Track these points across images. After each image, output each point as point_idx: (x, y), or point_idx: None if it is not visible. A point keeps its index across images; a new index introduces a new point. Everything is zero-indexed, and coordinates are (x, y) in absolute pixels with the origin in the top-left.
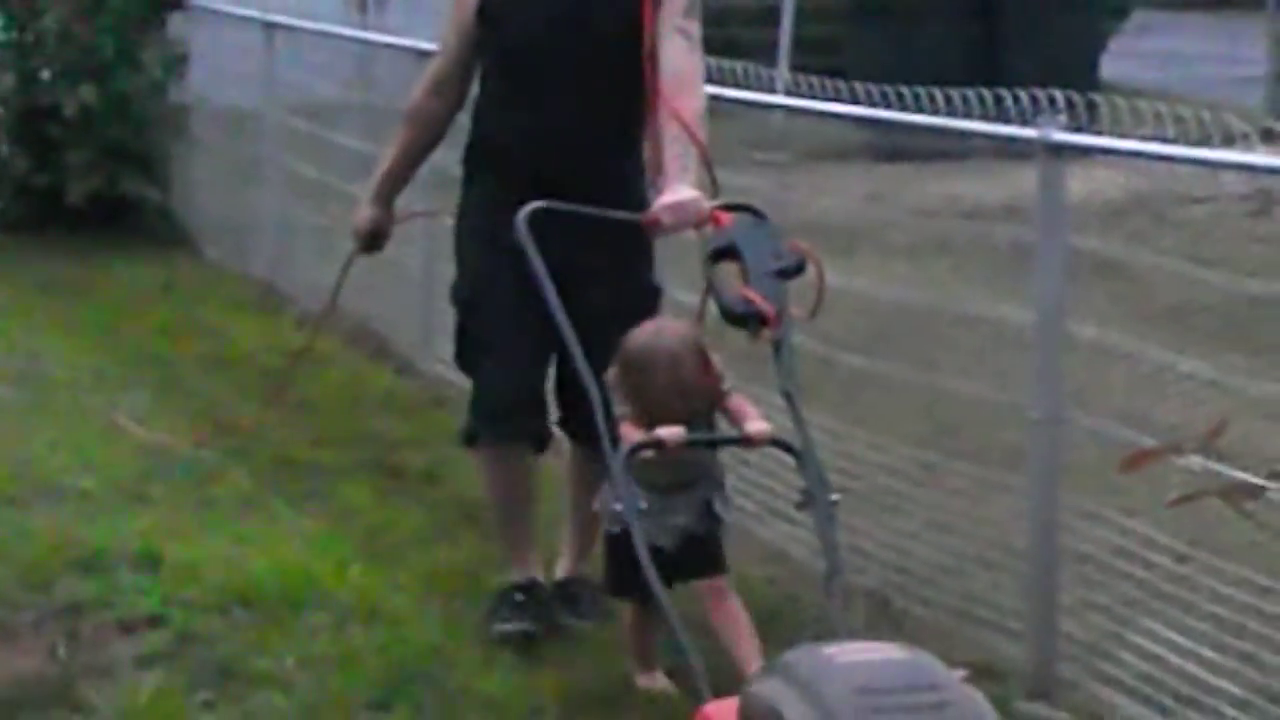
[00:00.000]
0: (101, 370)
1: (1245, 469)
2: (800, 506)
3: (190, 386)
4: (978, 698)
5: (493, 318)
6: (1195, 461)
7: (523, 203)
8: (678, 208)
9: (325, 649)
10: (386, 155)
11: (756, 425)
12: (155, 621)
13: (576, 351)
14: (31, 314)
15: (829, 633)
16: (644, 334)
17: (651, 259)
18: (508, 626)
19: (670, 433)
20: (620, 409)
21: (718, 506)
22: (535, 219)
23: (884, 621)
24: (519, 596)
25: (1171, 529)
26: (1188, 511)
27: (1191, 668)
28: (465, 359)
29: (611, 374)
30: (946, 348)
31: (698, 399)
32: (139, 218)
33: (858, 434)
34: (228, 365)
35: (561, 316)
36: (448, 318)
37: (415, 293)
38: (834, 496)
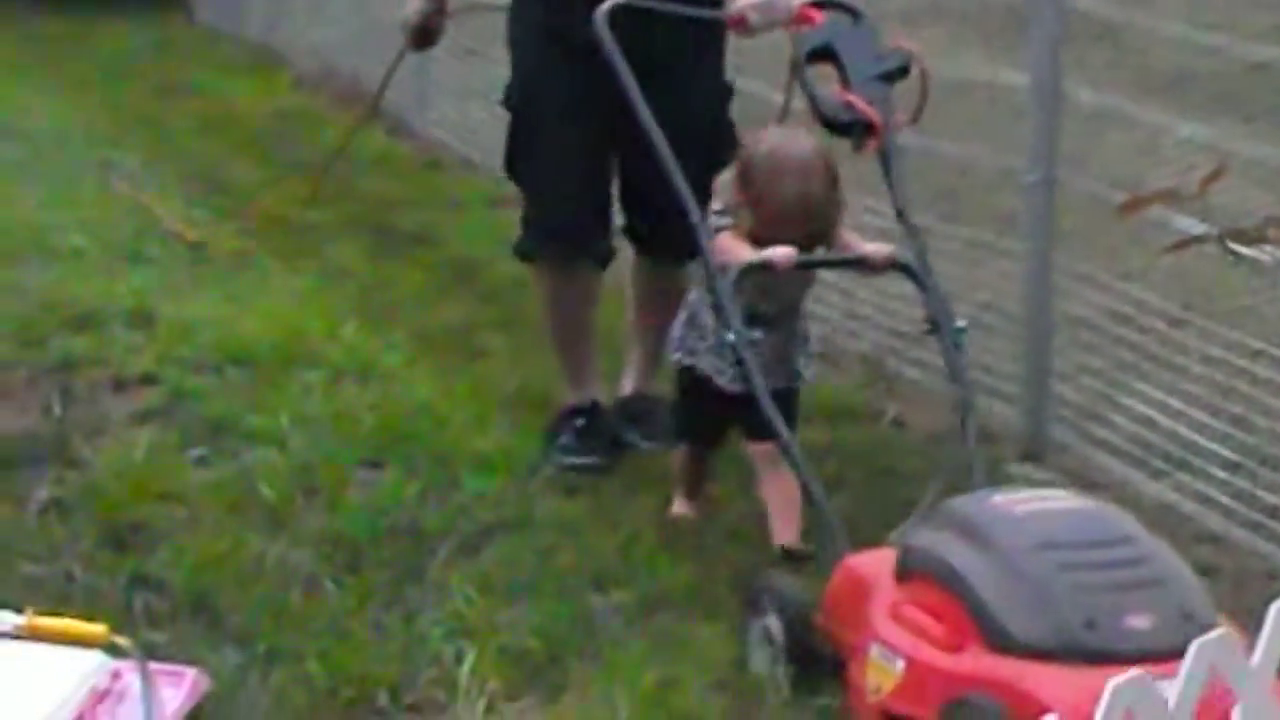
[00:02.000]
0: (93, 128)
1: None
2: (926, 334)
3: (183, 146)
4: (1169, 551)
5: (549, 125)
6: (1187, 220)
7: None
8: (766, 5)
9: (318, 407)
10: None
11: (874, 246)
12: (149, 379)
13: (665, 151)
14: (23, 71)
15: (961, 471)
16: (775, 138)
17: (724, 56)
18: (575, 460)
19: (781, 253)
20: (720, 220)
21: (800, 363)
22: (614, 15)
23: (879, 384)
24: (580, 421)
25: (1164, 292)
26: (1181, 275)
27: (1182, 430)
28: (517, 168)
29: (724, 180)
30: (942, 113)
31: (821, 219)
32: None
33: (851, 199)
34: (221, 126)
35: (646, 115)
36: (443, 79)
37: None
38: (961, 323)
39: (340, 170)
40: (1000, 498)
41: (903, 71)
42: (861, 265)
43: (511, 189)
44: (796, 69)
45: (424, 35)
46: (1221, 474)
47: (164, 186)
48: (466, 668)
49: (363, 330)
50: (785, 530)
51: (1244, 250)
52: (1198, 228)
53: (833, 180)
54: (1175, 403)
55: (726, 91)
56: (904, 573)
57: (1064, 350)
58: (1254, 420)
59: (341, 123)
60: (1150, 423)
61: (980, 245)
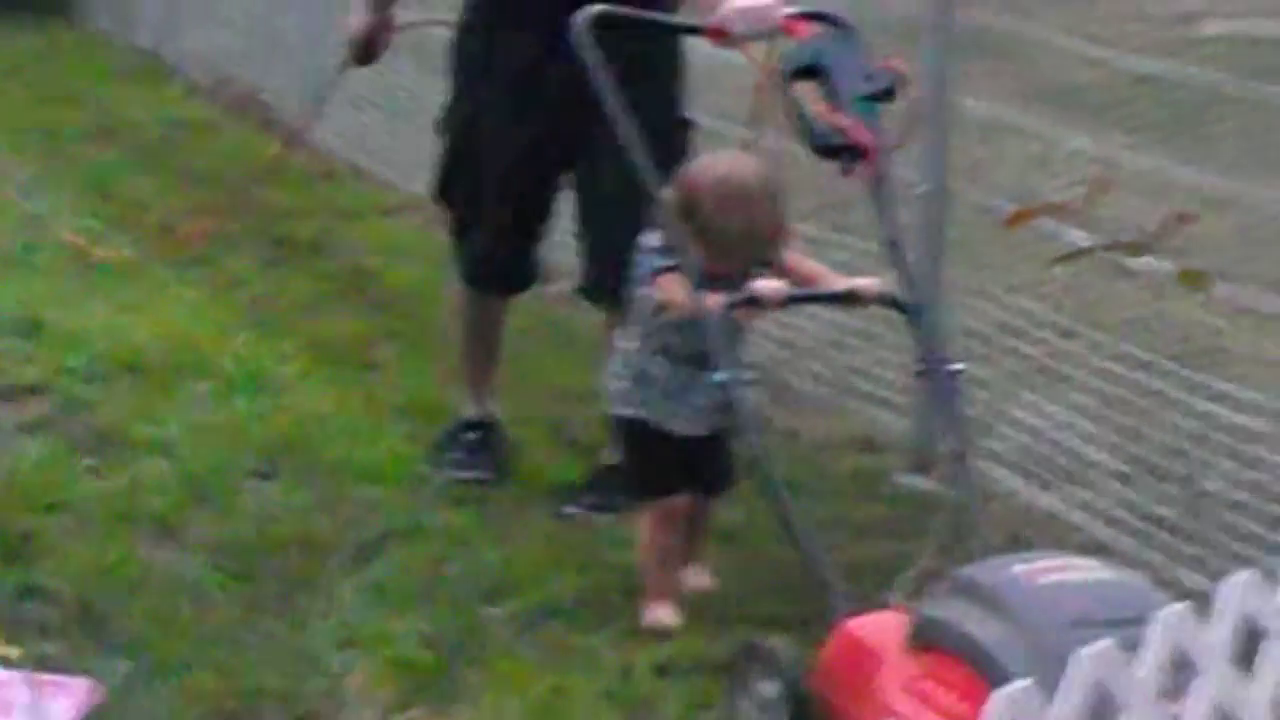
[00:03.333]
0: None
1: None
2: (919, 375)
3: (73, 155)
4: None
5: (487, 158)
6: (1075, 233)
7: (533, 22)
8: (750, 12)
9: (209, 417)
10: None
11: (863, 281)
12: (38, 389)
13: (642, 158)
14: None
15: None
16: (718, 165)
17: (684, 86)
18: (465, 474)
19: (769, 286)
20: (655, 261)
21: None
22: (599, 23)
23: (769, 394)
24: (471, 436)
25: (1055, 304)
26: (1071, 287)
27: (1072, 442)
28: (448, 196)
29: (663, 213)
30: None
31: (769, 246)
32: None
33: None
34: (112, 135)
35: (627, 127)
36: (338, 90)
37: (303, 63)
38: (957, 366)
39: (232, 180)
40: (1021, 566)
41: (889, 93)
42: (851, 300)
43: (402, 198)
44: (782, 86)
45: (368, 50)
46: (1110, 484)
47: (54, 195)
48: (356, 678)
49: (254, 340)
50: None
51: (1128, 262)
52: (1084, 240)
53: (781, 205)
54: (1064, 414)
55: (687, 125)
56: (921, 644)
57: (953, 361)
58: (1142, 431)
59: (234, 133)
60: (1039, 434)
61: (871, 255)
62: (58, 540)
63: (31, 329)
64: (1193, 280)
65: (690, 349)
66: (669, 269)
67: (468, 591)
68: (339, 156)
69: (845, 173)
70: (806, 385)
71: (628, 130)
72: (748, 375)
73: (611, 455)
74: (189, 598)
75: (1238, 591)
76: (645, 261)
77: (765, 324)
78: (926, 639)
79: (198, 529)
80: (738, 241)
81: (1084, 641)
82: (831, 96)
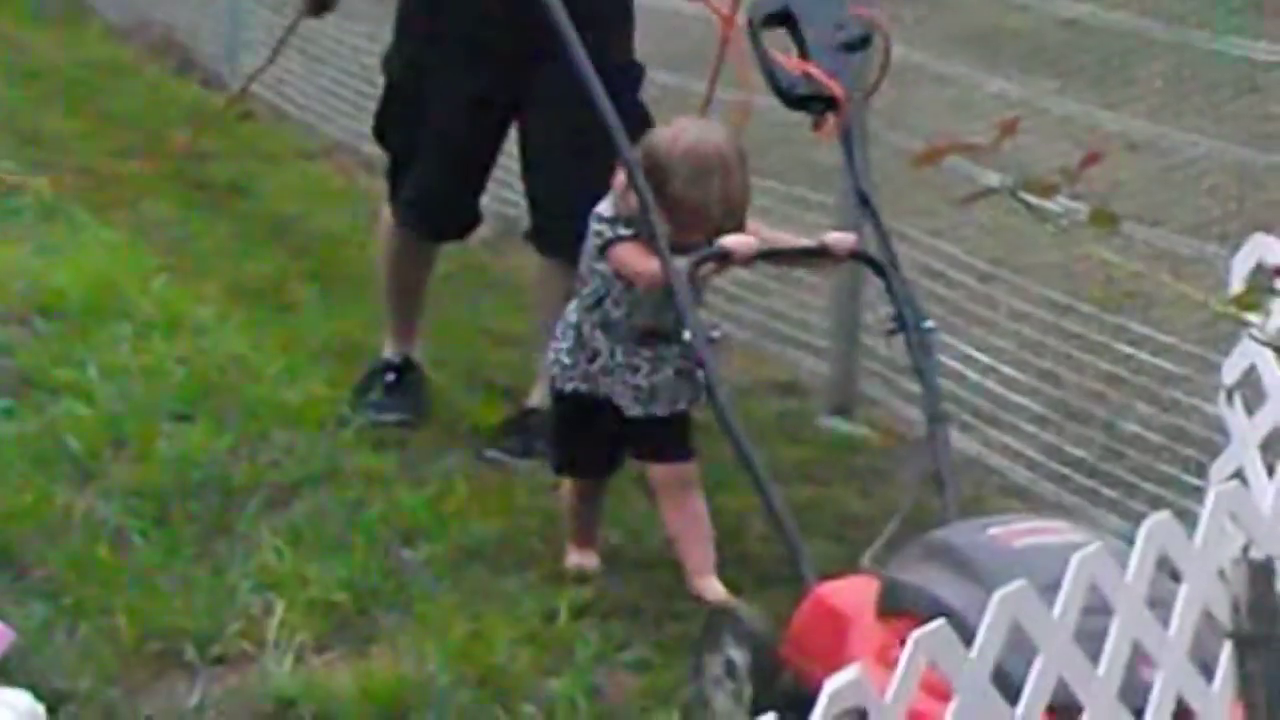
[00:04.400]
0: None
1: None
2: (889, 334)
3: None
4: None
5: (433, 103)
6: (993, 176)
7: None
8: None
9: (128, 360)
10: None
11: (834, 235)
12: None
13: (602, 101)
14: None
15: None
16: (686, 134)
17: (631, 36)
18: (384, 416)
19: (740, 240)
20: (617, 230)
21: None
22: None
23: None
24: (390, 377)
25: (974, 248)
26: (991, 231)
27: (992, 385)
28: (389, 138)
29: (624, 179)
30: (752, 65)
31: (736, 215)
32: None
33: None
34: (30, 76)
35: (589, 74)
36: (255, 32)
37: (221, 4)
38: (929, 323)
39: (151, 123)
40: (996, 530)
41: (864, 41)
42: (822, 255)
43: (323, 142)
44: (752, 34)
45: (321, 2)
46: (1030, 427)
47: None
48: (275, 620)
49: (173, 283)
50: (703, 566)
51: (1034, 201)
52: (994, 182)
53: (747, 171)
54: (984, 357)
55: (637, 72)
56: (891, 610)
57: (874, 304)
58: (1062, 374)
59: (152, 76)
60: (959, 377)
61: (793, 200)
62: None
63: None
64: (1102, 221)
65: (631, 326)
66: (626, 238)
67: (386, 534)
68: (259, 100)
69: (815, 125)
70: (728, 328)
71: (588, 77)
72: (715, 334)
73: (536, 400)
74: (107, 541)
75: (1155, 534)
76: (600, 232)
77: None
78: (898, 604)
79: (116, 472)
80: (712, 212)
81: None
82: (801, 45)
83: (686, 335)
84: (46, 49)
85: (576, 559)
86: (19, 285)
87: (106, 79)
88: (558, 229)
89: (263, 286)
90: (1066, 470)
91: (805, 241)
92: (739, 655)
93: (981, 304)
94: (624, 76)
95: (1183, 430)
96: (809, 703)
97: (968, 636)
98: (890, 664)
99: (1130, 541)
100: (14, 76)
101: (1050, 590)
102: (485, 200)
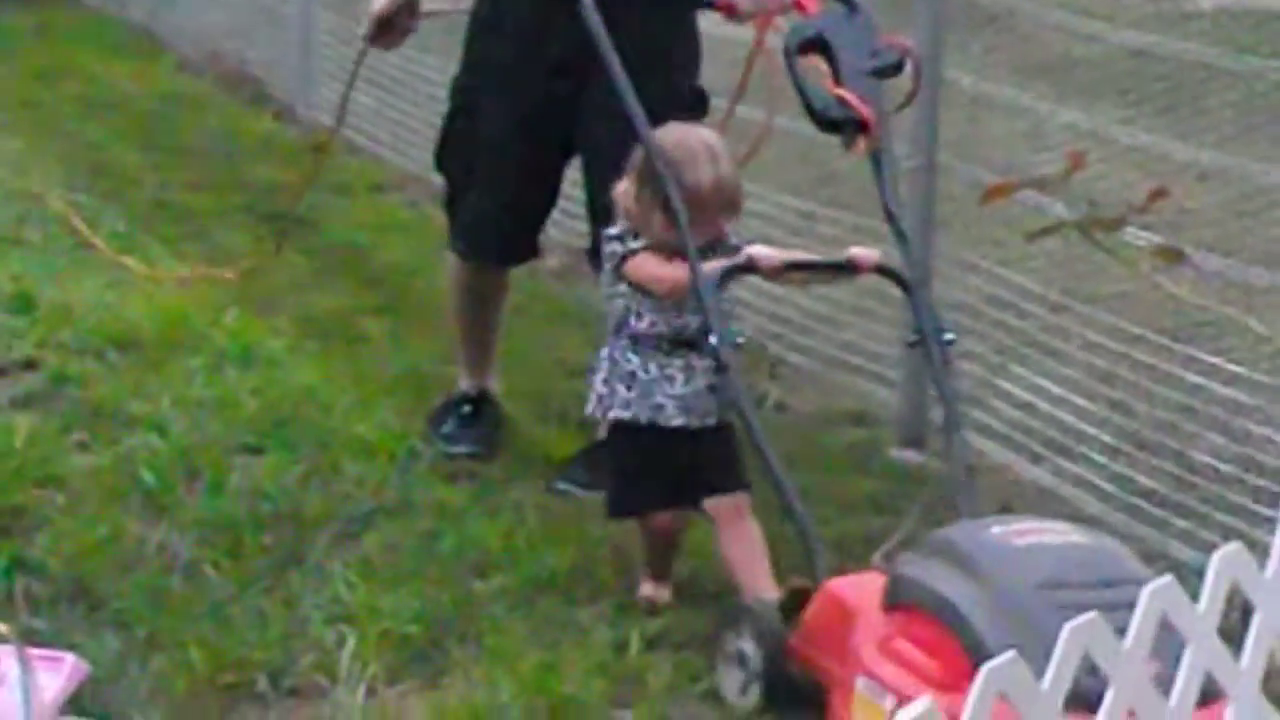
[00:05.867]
0: None
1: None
2: (911, 345)
3: (66, 130)
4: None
5: (493, 131)
6: (1063, 208)
7: None
8: None
9: (200, 392)
10: None
11: (860, 250)
12: (30, 364)
13: (639, 116)
14: None
15: (948, 500)
16: (671, 132)
17: (698, 59)
18: (456, 448)
19: (766, 252)
20: (629, 244)
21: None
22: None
23: (761, 368)
24: (466, 409)
25: (1045, 279)
26: (1062, 261)
27: (1062, 415)
28: (448, 165)
29: (625, 188)
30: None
31: (733, 204)
32: None
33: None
34: (105, 109)
35: (633, 100)
36: (328, 63)
37: (293, 37)
38: (949, 335)
39: (225, 155)
40: (998, 529)
41: (897, 68)
42: (848, 269)
43: (394, 175)
44: (787, 58)
45: (388, 31)
46: (1100, 458)
47: (46, 171)
48: (348, 652)
49: (245, 315)
50: (762, 585)
51: (1103, 237)
52: (1063, 214)
53: (736, 168)
54: (1055, 388)
55: (702, 98)
56: (894, 603)
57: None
58: (1132, 405)
59: (225, 109)
60: (1030, 408)
61: (861, 230)
62: (49, 516)
63: (24, 304)
64: (1168, 257)
65: (659, 336)
66: (641, 250)
67: (458, 566)
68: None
69: (847, 145)
70: (799, 359)
71: (628, 95)
72: (740, 340)
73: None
74: (180, 573)
75: (1227, 564)
76: (614, 250)
77: (758, 300)
78: (900, 598)
79: (189, 504)
80: (708, 198)
81: (1051, 601)
82: (835, 71)
83: (713, 339)
84: (120, 82)
85: (649, 591)
86: (92, 318)
87: (180, 112)
88: None
89: (334, 319)
90: (1138, 501)
91: (833, 258)
92: (750, 647)
93: (1052, 334)
94: (680, 100)
95: (1254, 461)
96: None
97: (963, 629)
98: (891, 653)
99: (1201, 573)
100: (88, 110)
101: (1047, 586)
102: (555, 232)
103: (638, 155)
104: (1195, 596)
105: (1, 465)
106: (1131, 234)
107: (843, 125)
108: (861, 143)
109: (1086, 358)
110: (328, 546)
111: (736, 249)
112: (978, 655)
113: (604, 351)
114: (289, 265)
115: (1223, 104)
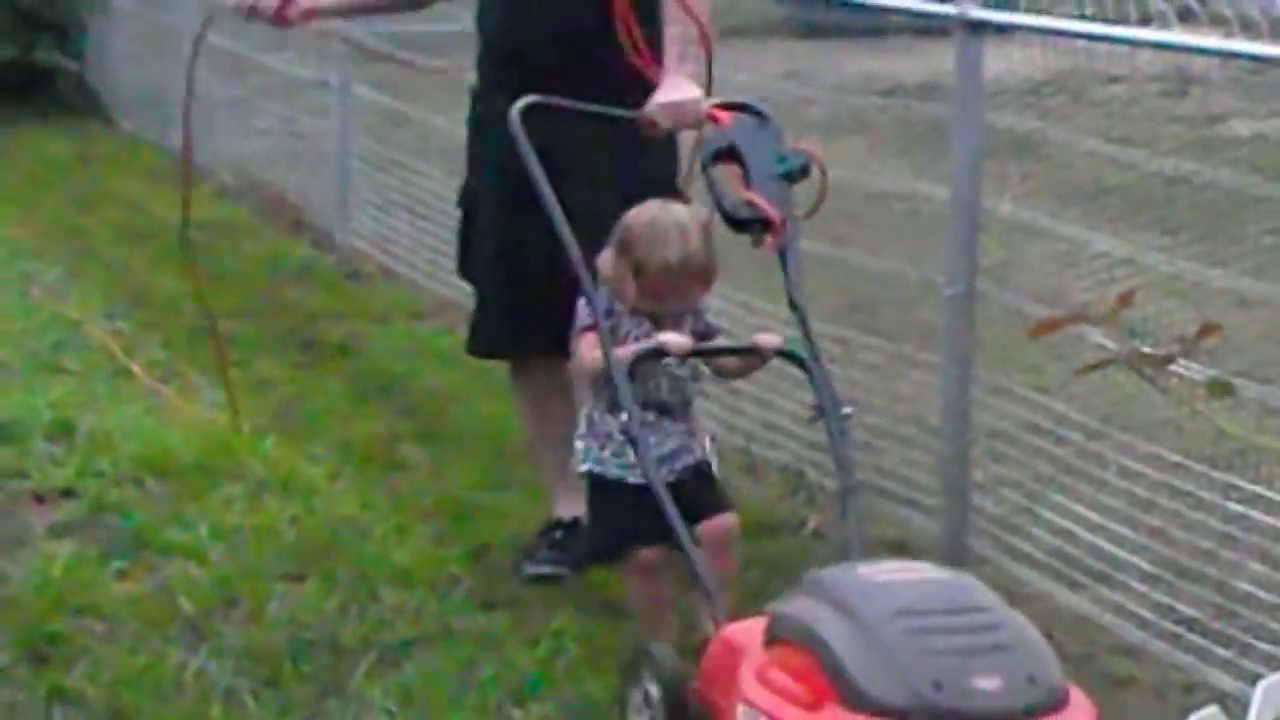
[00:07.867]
0: (14, 241)
1: (1154, 344)
2: (811, 421)
3: (105, 257)
4: (1021, 620)
5: (485, 222)
6: (1103, 337)
7: (513, 98)
8: (674, 107)
9: (239, 520)
10: None
11: (765, 335)
12: (69, 492)
13: (567, 236)
14: None
15: (844, 552)
16: (649, 208)
17: (674, 140)
18: (542, 569)
19: (673, 338)
20: (582, 320)
21: (704, 448)
22: (529, 113)
23: (799, 494)
24: (559, 534)
25: (1083, 406)
26: (1100, 389)
27: (1102, 543)
28: (466, 268)
29: (604, 259)
30: (863, 224)
31: (703, 280)
32: (54, 88)
33: (772, 310)
34: (144, 237)
35: (554, 207)
36: (364, 191)
37: (332, 166)
38: (846, 410)
39: (262, 283)
40: (865, 569)
41: (803, 171)
42: (752, 353)
43: (431, 301)
44: (704, 169)
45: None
46: (1140, 586)
47: (85, 297)
48: None
49: (284, 442)
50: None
51: (1151, 373)
52: (1110, 344)
53: (709, 244)
54: (1094, 515)
55: (674, 176)
56: (771, 638)
57: (983, 462)
58: (1172, 533)
59: (264, 236)
60: (1069, 535)
61: (900, 358)
62: (88, 644)
63: (62, 432)
64: (1219, 391)
65: (653, 399)
66: (589, 328)
67: (498, 694)
68: (367, 258)
69: (756, 243)
70: (834, 485)
71: (558, 217)
72: (649, 417)
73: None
74: (220, 702)
75: (1271, 694)
76: (579, 320)
77: (796, 427)
78: (777, 633)
79: (228, 632)
80: (673, 273)
81: (904, 627)
82: (746, 176)
83: (623, 416)
84: (159, 209)
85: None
86: (130, 446)
87: (219, 239)
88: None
89: (372, 446)
90: (1179, 629)
91: (737, 344)
92: (654, 689)
93: (1091, 462)
94: (663, 179)
95: None
96: None
97: (825, 654)
98: (766, 681)
99: (1245, 704)
100: (128, 237)
101: (902, 614)
102: None
103: (620, 227)
104: None
105: (40, 594)
106: (1172, 367)
107: (750, 225)
108: (769, 239)
109: (1126, 485)
110: (367, 675)
111: (708, 322)
112: (837, 677)
113: (584, 411)
114: (327, 393)
115: (1260, 230)
